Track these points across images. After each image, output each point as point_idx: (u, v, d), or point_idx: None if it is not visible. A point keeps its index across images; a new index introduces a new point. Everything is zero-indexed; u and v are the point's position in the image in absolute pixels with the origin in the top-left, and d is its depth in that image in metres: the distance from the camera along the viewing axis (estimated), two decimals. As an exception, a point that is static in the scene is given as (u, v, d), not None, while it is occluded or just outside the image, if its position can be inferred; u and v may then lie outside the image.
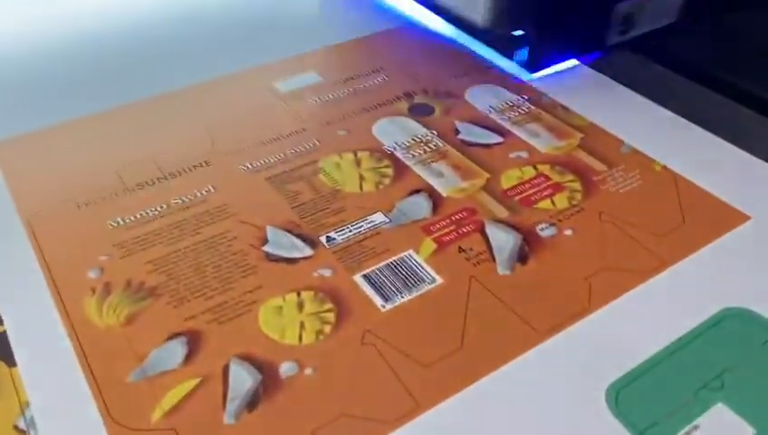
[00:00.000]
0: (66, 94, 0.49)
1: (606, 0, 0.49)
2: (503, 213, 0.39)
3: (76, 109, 0.47)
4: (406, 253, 0.36)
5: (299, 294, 0.34)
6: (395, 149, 0.43)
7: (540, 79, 0.50)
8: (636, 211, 0.39)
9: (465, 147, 0.44)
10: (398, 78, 0.50)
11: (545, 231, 0.38)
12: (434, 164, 0.42)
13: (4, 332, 0.33)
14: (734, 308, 0.33)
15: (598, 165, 0.42)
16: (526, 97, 0.48)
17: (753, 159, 0.42)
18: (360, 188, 0.41)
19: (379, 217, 0.38)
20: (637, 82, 0.49)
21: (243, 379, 0.30)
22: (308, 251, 0.36)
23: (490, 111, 0.47)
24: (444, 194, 0.40)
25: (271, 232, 0.38)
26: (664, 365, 0.31)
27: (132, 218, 0.38)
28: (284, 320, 0.33)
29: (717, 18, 0.52)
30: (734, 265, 0.36)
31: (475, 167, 0.42)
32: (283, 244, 0.37)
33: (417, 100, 0.48)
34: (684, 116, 0.46)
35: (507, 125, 0.45)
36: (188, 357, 0.31)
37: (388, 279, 0.35)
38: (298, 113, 0.47)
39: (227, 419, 0.29)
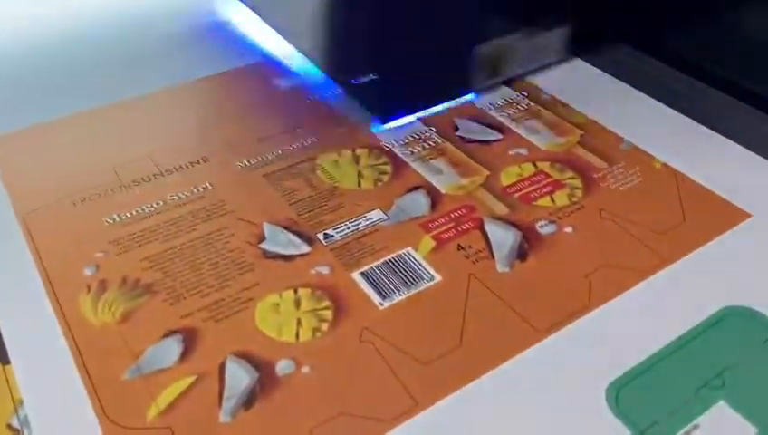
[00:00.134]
0: (62, 91, 0.49)
1: (464, 44, 0.44)
2: (502, 210, 0.38)
3: (72, 105, 0.47)
4: (404, 250, 0.36)
5: (296, 292, 0.34)
6: (393, 145, 0.43)
7: (540, 76, 0.50)
8: (636, 209, 0.38)
9: (464, 143, 0.43)
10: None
11: (545, 228, 0.37)
12: (433, 161, 0.42)
13: (-1, 329, 0.32)
14: (734, 306, 0.33)
15: (598, 162, 0.42)
16: (526, 94, 0.48)
17: (754, 156, 0.42)
18: (359, 184, 0.40)
19: (377, 215, 0.38)
20: (637, 78, 0.48)
21: (239, 377, 0.30)
22: (305, 248, 0.36)
23: (489, 108, 0.46)
24: (443, 191, 0.40)
25: (268, 229, 0.37)
26: (664, 364, 0.31)
27: (128, 215, 0.38)
28: (281, 317, 0.33)
29: (718, 15, 0.52)
30: (735, 263, 0.35)
31: (475, 164, 0.42)
32: (281, 241, 0.37)
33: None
34: (684, 113, 0.45)
35: (506, 122, 0.45)
36: (184, 355, 0.31)
37: (386, 277, 0.35)
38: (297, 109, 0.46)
39: (223, 417, 0.29)
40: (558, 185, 0.40)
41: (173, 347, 0.31)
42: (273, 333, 0.32)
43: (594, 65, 0.50)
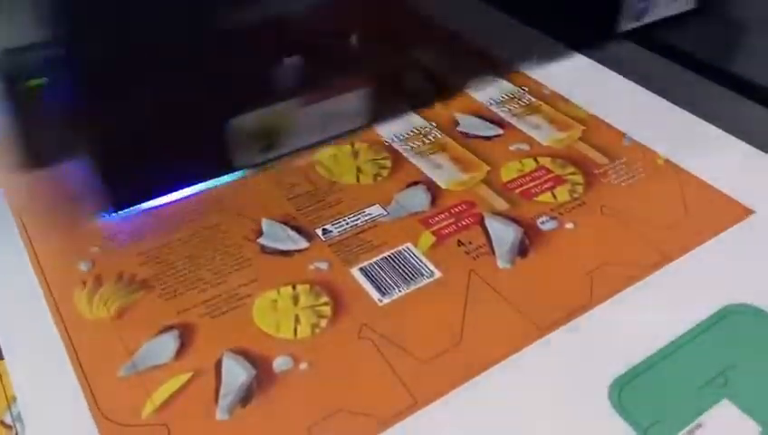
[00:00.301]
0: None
1: (209, 117, 0.35)
2: (503, 206, 0.38)
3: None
4: (404, 246, 0.36)
5: (294, 288, 0.33)
6: (393, 140, 0.43)
7: (540, 70, 0.49)
8: (638, 205, 0.38)
9: (464, 139, 0.43)
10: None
11: (546, 224, 0.37)
12: (433, 156, 0.41)
13: (-8, 324, 0.32)
14: (738, 304, 0.33)
15: (599, 158, 0.41)
16: (526, 89, 0.47)
17: (757, 152, 0.42)
18: (358, 180, 0.40)
19: (376, 210, 0.38)
20: (639, 73, 0.48)
21: (236, 373, 0.30)
22: (304, 244, 0.36)
23: (490, 103, 0.46)
24: (443, 186, 0.39)
25: (266, 224, 0.37)
26: (667, 362, 0.30)
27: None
28: (279, 313, 0.32)
29: (721, 9, 0.51)
30: (738, 259, 0.35)
31: (475, 159, 0.41)
32: (279, 236, 0.36)
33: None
34: (687, 109, 0.45)
35: (507, 117, 0.45)
36: (180, 351, 0.31)
37: (385, 272, 0.34)
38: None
39: (220, 414, 0.28)
40: (559, 180, 0.40)
41: (169, 343, 0.31)
42: (271, 330, 0.31)
43: (596, 60, 0.50)
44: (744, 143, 0.42)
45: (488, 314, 0.32)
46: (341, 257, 0.35)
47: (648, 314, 0.32)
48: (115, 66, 0.31)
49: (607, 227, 0.37)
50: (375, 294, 0.33)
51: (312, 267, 0.34)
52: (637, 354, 0.30)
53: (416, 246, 0.36)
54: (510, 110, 0.45)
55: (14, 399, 0.29)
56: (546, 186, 0.39)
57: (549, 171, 0.40)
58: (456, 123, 0.44)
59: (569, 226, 0.37)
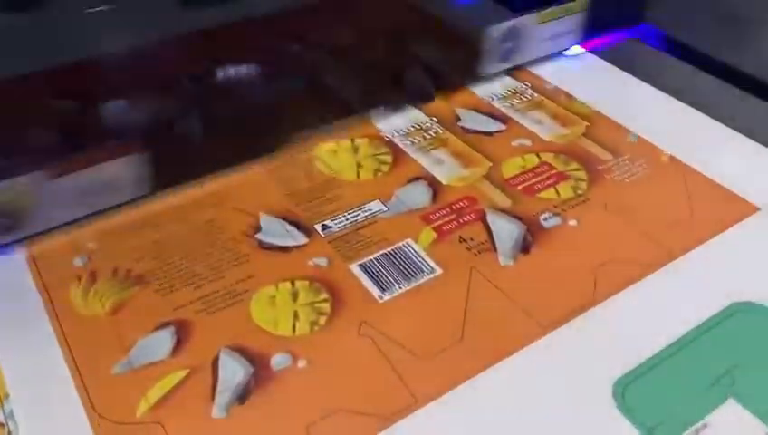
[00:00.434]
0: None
1: None
2: (505, 202, 0.37)
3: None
4: (404, 242, 0.35)
5: (293, 284, 0.33)
6: (393, 135, 0.42)
7: (543, 66, 0.48)
8: (642, 202, 0.37)
9: (466, 134, 0.42)
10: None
11: (549, 221, 0.36)
12: (434, 151, 0.41)
13: (-15, 320, 0.31)
14: (744, 302, 0.32)
15: (603, 154, 0.41)
16: (529, 84, 0.47)
17: (763, 148, 0.41)
18: (357, 175, 0.39)
19: (376, 206, 0.37)
20: (643, 70, 0.47)
21: (233, 371, 0.29)
22: (303, 239, 0.35)
23: (492, 98, 0.45)
24: (444, 182, 0.39)
25: (264, 220, 0.36)
26: (672, 360, 0.30)
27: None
28: (277, 310, 0.32)
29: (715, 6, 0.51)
30: (744, 257, 0.34)
31: (477, 154, 0.41)
32: (277, 232, 0.36)
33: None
34: (692, 105, 0.44)
35: (509, 112, 0.44)
36: (176, 348, 0.30)
37: (385, 269, 0.34)
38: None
39: (216, 412, 0.28)
40: (562, 177, 0.39)
41: (165, 340, 0.30)
42: (269, 327, 0.31)
43: (599, 56, 0.49)
44: (749, 140, 0.42)
45: (490, 312, 0.32)
46: (341, 253, 0.34)
47: (652, 312, 0.32)
48: None
49: (611, 224, 0.36)
50: (375, 291, 0.33)
51: (310, 263, 0.34)
52: (641, 353, 0.30)
53: (416, 242, 0.35)
54: (512, 105, 0.45)
55: (7, 396, 0.28)
56: (549, 182, 0.39)
57: (552, 167, 0.40)
58: (458, 118, 0.44)
59: (572, 222, 0.36)
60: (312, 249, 0.35)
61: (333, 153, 0.41)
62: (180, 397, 0.28)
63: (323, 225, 0.36)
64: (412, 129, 0.43)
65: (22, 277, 0.33)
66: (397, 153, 0.41)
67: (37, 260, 0.34)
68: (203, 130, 0.36)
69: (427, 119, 0.43)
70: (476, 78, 0.45)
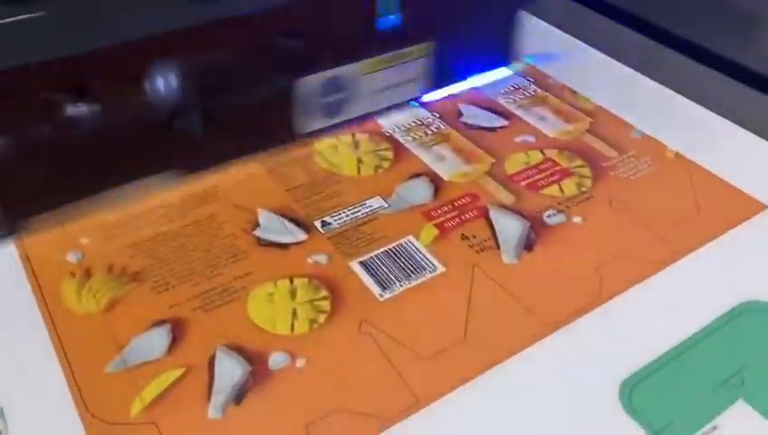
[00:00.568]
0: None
1: None
2: (508, 199, 0.37)
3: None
4: (405, 239, 0.34)
5: (292, 281, 0.32)
6: (395, 131, 0.41)
7: (547, 62, 0.48)
8: (648, 199, 0.37)
9: (468, 130, 0.42)
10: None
11: (553, 218, 0.36)
12: (436, 147, 0.40)
13: (-24, 317, 0.30)
14: (753, 301, 0.31)
15: (608, 150, 0.40)
16: (532, 79, 0.46)
17: (770, 146, 0.41)
18: (358, 171, 0.39)
19: (377, 202, 0.36)
20: (648, 66, 0.47)
21: (230, 370, 0.28)
22: (302, 236, 0.34)
23: (495, 94, 0.45)
24: (446, 178, 0.38)
25: (263, 216, 0.36)
26: (680, 361, 0.29)
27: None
28: (276, 308, 0.31)
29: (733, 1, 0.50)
30: (752, 256, 0.34)
31: (479, 150, 0.40)
32: (276, 228, 0.35)
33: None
34: (698, 102, 0.44)
35: (513, 108, 0.43)
36: (172, 346, 0.29)
37: (386, 266, 0.33)
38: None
39: (212, 413, 0.27)
40: (566, 173, 0.38)
41: (160, 338, 0.30)
42: (267, 325, 0.30)
43: (603, 51, 0.49)
44: (756, 137, 0.41)
45: (493, 311, 0.31)
46: (341, 251, 0.34)
47: (659, 312, 0.31)
48: None
49: (616, 221, 0.36)
50: (376, 289, 0.32)
51: (310, 261, 0.33)
52: (648, 353, 0.29)
53: (418, 239, 0.34)
54: (515, 100, 0.44)
55: (-3, 395, 0.28)
56: (553, 178, 0.38)
57: (556, 164, 0.39)
58: (460, 114, 0.43)
59: (576, 220, 0.36)
60: (311, 246, 0.34)
61: (334, 148, 0.40)
62: (175, 397, 0.28)
63: (323, 221, 0.35)
64: (413, 124, 0.42)
65: (14, 272, 0.32)
66: (398, 149, 0.40)
67: (30, 255, 0.33)
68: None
69: (429, 114, 0.43)
70: (293, 137, 0.38)
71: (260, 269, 0.33)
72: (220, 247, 0.34)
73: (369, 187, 0.37)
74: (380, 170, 0.39)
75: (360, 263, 0.33)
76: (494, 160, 0.39)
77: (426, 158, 0.39)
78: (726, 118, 0.42)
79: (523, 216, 0.36)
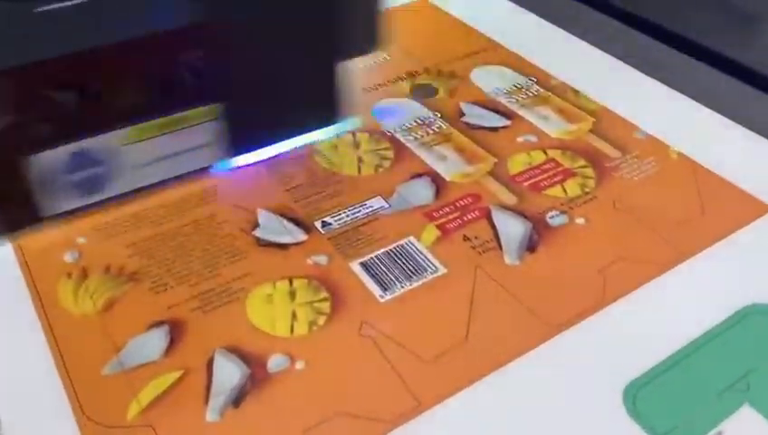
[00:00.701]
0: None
1: None
2: (510, 199, 0.36)
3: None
4: (406, 240, 0.34)
5: (291, 282, 0.32)
6: (395, 130, 0.41)
7: (549, 61, 0.47)
8: (652, 200, 0.36)
9: (470, 129, 0.41)
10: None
11: (556, 219, 0.35)
12: (437, 147, 0.40)
13: (-29, 318, 0.30)
14: (759, 304, 0.31)
15: (611, 151, 0.40)
16: (535, 79, 0.46)
17: (775, 146, 0.40)
18: (359, 171, 0.38)
19: (378, 202, 0.36)
20: (651, 65, 0.46)
21: (228, 373, 0.28)
22: (302, 236, 0.34)
23: (496, 93, 0.44)
24: (447, 178, 0.38)
25: (262, 216, 0.35)
26: (685, 365, 0.29)
27: (114, 199, 0.36)
28: (275, 309, 0.31)
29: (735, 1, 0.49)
30: (757, 258, 0.33)
31: (481, 150, 0.40)
32: (276, 228, 0.34)
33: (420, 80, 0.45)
34: (702, 102, 0.43)
35: (515, 108, 0.43)
36: (170, 348, 0.29)
37: (387, 267, 0.32)
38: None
39: (210, 416, 0.27)
40: (569, 173, 0.38)
41: (158, 339, 0.29)
42: (266, 327, 0.30)
43: (606, 51, 0.48)
44: (761, 138, 0.41)
45: (495, 313, 0.31)
46: (341, 251, 0.33)
47: (663, 314, 0.31)
48: None
49: (620, 222, 0.35)
50: (376, 290, 0.31)
51: (310, 261, 0.33)
52: (652, 357, 0.29)
53: (419, 240, 0.34)
54: (517, 100, 0.44)
55: (-8, 397, 0.27)
56: (556, 179, 0.38)
57: (558, 164, 0.39)
58: (462, 113, 0.42)
59: (580, 221, 0.35)
60: (311, 246, 0.34)
61: (334, 148, 0.40)
62: (173, 399, 0.27)
63: (323, 221, 0.35)
64: (414, 124, 0.42)
65: (10, 272, 0.32)
66: (399, 149, 0.40)
67: (26, 254, 0.33)
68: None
69: (430, 114, 0.42)
70: (36, 221, 0.31)
71: (259, 270, 0.32)
72: (219, 247, 0.33)
73: (369, 186, 0.37)
74: (381, 170, 0.38)
75: (361, 264, 0.33)
76: (496, 160, 0.39)
77: (427, 157, 0.39)
78: (732, 118, 0.42)
79: (525, 217, 0.35)
